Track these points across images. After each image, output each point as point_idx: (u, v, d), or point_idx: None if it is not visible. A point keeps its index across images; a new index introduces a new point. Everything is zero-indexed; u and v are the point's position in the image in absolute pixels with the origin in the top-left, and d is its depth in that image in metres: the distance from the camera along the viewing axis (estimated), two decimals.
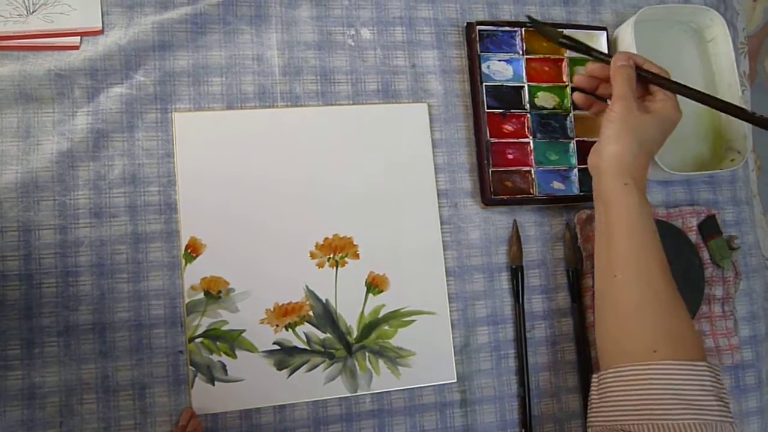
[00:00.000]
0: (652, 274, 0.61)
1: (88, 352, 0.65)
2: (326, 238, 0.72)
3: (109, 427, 0.65)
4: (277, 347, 0.69)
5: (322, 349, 0.70)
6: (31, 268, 0.66)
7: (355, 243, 0.72)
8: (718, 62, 0.84)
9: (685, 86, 0.69)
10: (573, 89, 0.76)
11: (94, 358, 0.65)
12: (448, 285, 0.74)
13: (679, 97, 0.68)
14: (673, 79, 0.68)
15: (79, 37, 0.70)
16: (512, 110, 0.77)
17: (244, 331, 0.69)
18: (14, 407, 0.63)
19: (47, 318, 0.65)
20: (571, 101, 0.79)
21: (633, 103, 0.65)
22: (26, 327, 0.65)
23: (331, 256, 0.71)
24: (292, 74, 0.75)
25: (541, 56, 0.80)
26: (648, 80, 0.68)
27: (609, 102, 0.69)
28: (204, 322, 0.68)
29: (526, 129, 0.77)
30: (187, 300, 0.68)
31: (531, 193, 0.76)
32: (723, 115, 0.83)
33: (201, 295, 0.68)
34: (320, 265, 0.71)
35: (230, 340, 0.68)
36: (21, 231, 0.66)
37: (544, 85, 0.79)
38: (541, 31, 0.75)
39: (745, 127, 0.80)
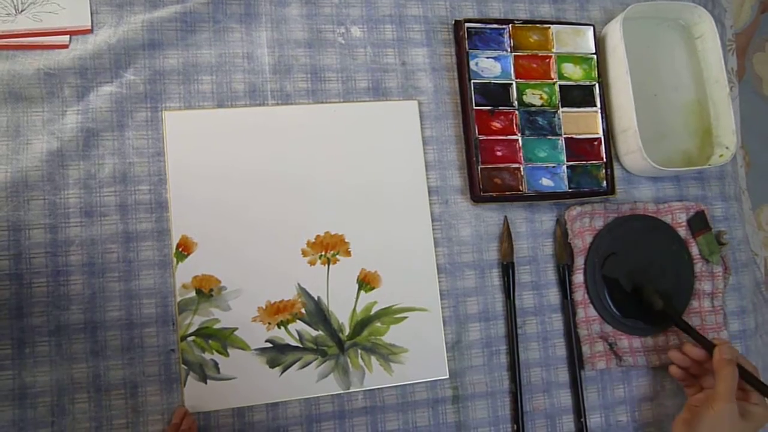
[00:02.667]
0: None
1: (79, 352, 0.65)
2: (318, 236, 0.72)
3: (101, 426, 0.65)
4: (269, 345, 0.69)
5: (315, 347, 0.70)
6: (22, 268, 0.65)
7: (346, 240, 0.72)
8: (706, 59, 0.84)
9: None
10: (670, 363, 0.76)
11: (85, 358, 0.65)
12: (439, 282, 0.74)
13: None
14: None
15: (68, 36, 0.70)
16: (500, 107, 0.78)
17: (236, 329, 0.69)
18: (5, 407, 0.63)
19: (38, 317, 0.65)
20: (559, 98, 0.79)
21: (736, 408, 0.66)
22: (17, 327, 0.64)
23: (323, 253, 0.72)
24: (283, 72, 0.75)
25: (529, 53, 0.80)
26: (748, 382, 0.69)
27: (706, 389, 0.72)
28: (196, 321, 0.68)
29: (515, 126, 0.78)
30: (178, 298, 0.68)
31: (520, 190, 0.76)
32: (711, 110, 0.83)
33: (193, 294, 0.68)
34: (312, 263, 0.71)
35: (222, 339, 0.68)
36: (11, 230, 0.66)
37: (532, 82, 0.79)
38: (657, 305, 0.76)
39: (733, 122, 0.80)
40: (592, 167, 0.79)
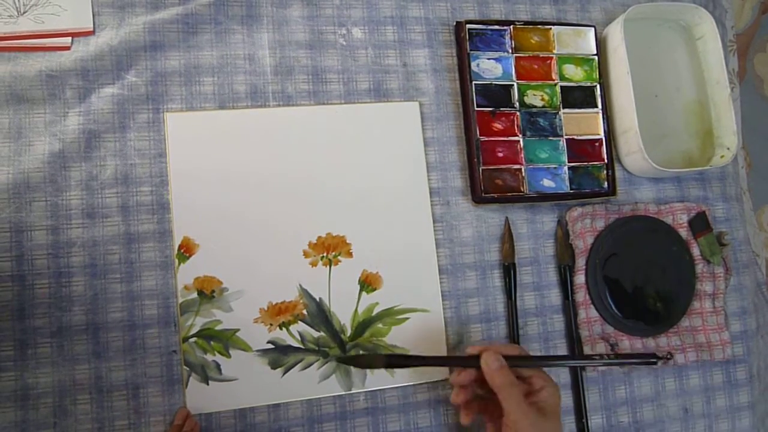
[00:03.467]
0: None
1: (81, 353, 0.65)
2: (319, 237, 0.72)
3: (103, 427, 0.65)
4: (271, 346, 0.69)
5: (316, 348, 0.70)
6: (24, 269, 0.65)
7: (348, 241, 0.72)
8: (707, 60, 0.84)
9: (554, 357, 0.74)
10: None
11: (87, 359, 0.65)
12: (441, 283, 0.74)
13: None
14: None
15: (70, 38, 0.70)
16: (502, 108, 0.78)
17: (238, 330, 0.69)
18: (7, 408, 0.63)
19: (40, 319, 0.65)
20: (560, 99, 0.79)
21: (532, 412, 0.60)
22: (19, 328, 0.65)
23: (325, 254, 0.72)
24: (284, 74, 0.75)
25: (530, 54, 0.80)
26: (521, 366, 0.64)
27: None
28: (198, 322, 0.68)
29: (516, 127, 0.78)
30: (180, 300, 0.68)
31: (521, 191, 0.76)
32: (713, 111, 0.84)
33: (194, 295, 0.68)
34: (313, 264, 0.71)
35: (224, 340, 0.68)
36: (13, 232, 0.66)
37: (534, 83, 0.79)
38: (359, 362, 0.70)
39: (735, 123, 0.80)
40: (594, 168, 0.79)
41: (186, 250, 0.69)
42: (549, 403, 0.62)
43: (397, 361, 0.67)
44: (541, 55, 0.80)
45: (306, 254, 0.71)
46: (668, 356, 0.72)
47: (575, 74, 0.81)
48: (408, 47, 0.79)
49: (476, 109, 0.77)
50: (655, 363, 0.68)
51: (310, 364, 0.70)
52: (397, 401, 0.71)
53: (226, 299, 0.69)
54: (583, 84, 0.80)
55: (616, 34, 0.79)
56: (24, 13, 0.69)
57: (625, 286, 0.78)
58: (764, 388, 0.83)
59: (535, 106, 0.79)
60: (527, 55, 0.80)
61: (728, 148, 0.81)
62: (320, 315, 0.71)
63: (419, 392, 0.72)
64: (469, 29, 0.78)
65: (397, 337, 0.72)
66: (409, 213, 0.75)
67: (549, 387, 0.63)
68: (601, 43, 0.82)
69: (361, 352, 0.71)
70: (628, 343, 0.76)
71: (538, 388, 0.63)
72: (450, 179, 0.77)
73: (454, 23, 0.80)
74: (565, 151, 0.79)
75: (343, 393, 0.70)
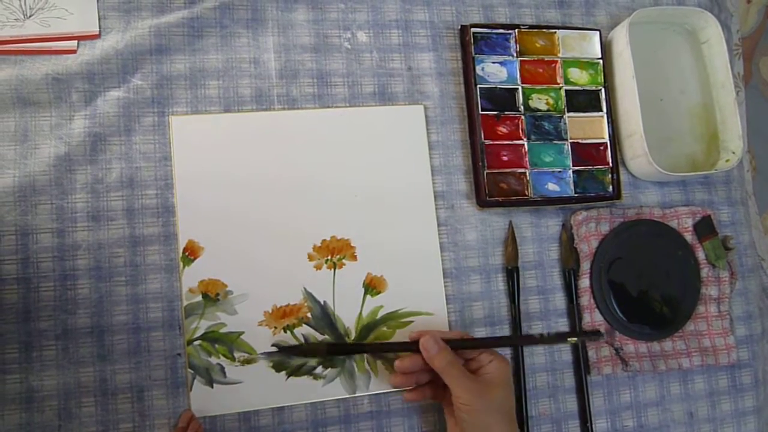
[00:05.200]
0: None
1: (86, 356, 0.65)
2: (324, 240, 0.72)
3: (108, 430, 0.65)
4: (275, 349, 0.69)
5: None
6: (29, 272, 0.66)
7: (352, 245, 0.72)
8: (712, 64, 0.84)
9: (496, 338, 0.74)
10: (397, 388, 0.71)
11: (92, 362, 0.65)
12: (445, 286, 0.74)
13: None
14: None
15: (76, 42, 0.70)
16: (506, 112, 0.78)
17: (242, 333, 0.69)
18: (12, 411, 0.63)
19: (45, 321, 0.65)
20: (565, 103, 0.79)
21: (475, 385, 0.63)
22: (24, 330, 0.65)
23: (329, 257, 0.72)
24: (289, 77, 0.75)
25: (535, 58, 0.80)
26: (463, 347, 0.67)
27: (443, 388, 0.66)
28: (202, 325, 0.68)
29: (521, 131, 0.78)
30: (185, 303, 0.68)
31: (526, 195, 0.76)
32: (718, 115, 0.83)
33: (199, 298, 0.68)
34: (318, 267, 0.71)
35: (229, 343, 0.68)
36: (19, 234, 0.66)
37: (538, 86, 0.79)
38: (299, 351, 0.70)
39: (740, 127, 0.80)
40: (598, 172, 0.79)
41: (191, 253, 0.69)
42: (494, 374, 0.65)
43: (338, 348, 0.69)
44: (546, 59, 0.80)
45: (311, 257, 0.71)
46: (604, 333, 0.74)
47: (580, 78, 0.81)
48: (413, 51, 0.79)
49: (481, 112, 0.77)
50: (597, 339, 0.71)
51: (315, 368, 0.70)
52: (402, 405, 0.71)
53: (231, 302, 0.69)
54: (588, 88, 0.80)
55: (621, 37, 0.79)
56: (30, 16, 0.70)
57: (629, 290, 0.77)
58: None
59: (540, 110, 0.79)
60: (532, 58, 0.80)
61: (733, 152, 0.81)
62: (325, 318, 0.71)
63: None
64: (474, 33, 0.78)
65: (402, 341, 0.72)
66: (413, 216, 0.75)
67: (495, 361, 0.65)
68: (606, 47, 0.82)
69: (365, 355, 0.71)
70: (633, 348, 0.76)
71: (485, 363, 0.65)
72: (454, 183, 0.77)
73: (459, 27, 0.80)
74: (570, 155, 0.78)
75: (348, 396, 0.70)
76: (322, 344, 0.69)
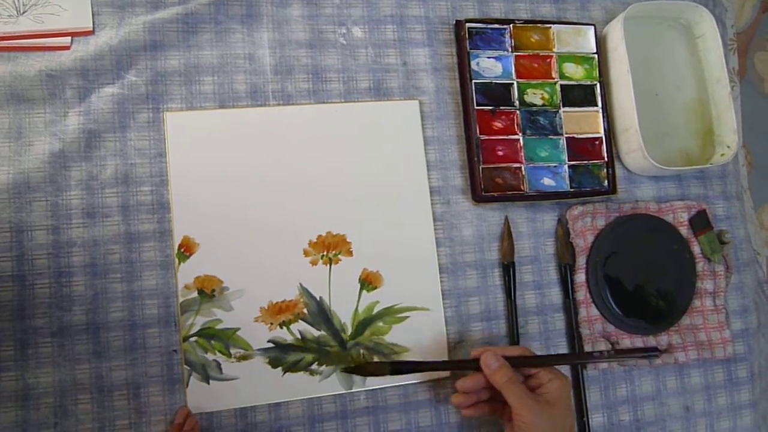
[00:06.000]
0: None
1: (82, 353, 0.65)
2: (319, 236, 0.72)
3: (104, 427, 0.65)
4: (271, 345, 0.69)
5: (317, 347, 0.70)
6: (24, 269, 0.65)
7: (348, 240, 0.72)
8: (707, 58, 0.84)
9: (556, 355, 0.74)
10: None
11: (88, 359, 0.65)
12: (441, 282, 0.74)
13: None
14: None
15: (69, 38, 0.70)
16: (502, 107, 0.78)
17: (238, 329, 0.69)
18: (8, 408, 0.63)
19: (41, 319, 0.65)
20: (560, 98, 0.79)
21: (536, 404, 0.63)
22: (19, 328, 0.65)
23: (325, 253, 0.72)
24: (284, 73, 0.75)
25: (530, 53, 0.80)
26: (526, 366, 0.67)
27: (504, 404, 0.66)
28: (198, 321, 0.68)
29: (516, 126, 0.78)
30: (181, 299, 0.68)
31: (521, 190, 0.76)
32: (713, 110, 0.83)
33: (195, 294, 0.68)
34: (314, 263, 0.71)
35: (225, 339, 0.68)
36: (13, 232, 0.66)
37: (534, 81, 0.79)
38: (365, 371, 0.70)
39: (735, 122, 0.80)
40: (594, 167, 0.79)
41: (186, 250, 0.69)
42: (555, 394, 0.64)
43: (401, 367, 0.69)
44: (541, 54, 0.80)
45: (306, 253, 0.71)
46: (667, 349, 0.73)
47: (575, 73, 0.81)
48: (408, 46, 0.79)
49: (476, 107, 0.77)
50: (656, 356, 0.70)
51: (311, 363, 0.70)
52: (398, 400, 0.71)
53: (227, 298, 0.69)
54: (583, 82, 0.80)
55: (616, 32, 0.79)
56: (24, 12, 0.69)
57: (625, 284, 0.78)
58: (765, 387, 0.83)
59: (535, 105, 0.79)
60: (527, 53, 0.80)
61: (729, 147, 0.81)
62: (321, 314, 0.71)
63: (420, 391, 0.72)
64: (469, 28, 0.78)
65: (398, 336, 0.72)
66: (409, 212, 0.74)
67: (555, 379, 0.65)
68: (601, 42, 0.82)
69: (361, 351, 0.71)
70: (629, 342, 0.76)
71: (545, 382, 0.65)
72: (450, 178, 0.77)
73: (454, 22, 0.80)
74: (566, 150, 0.78)
75: (344, 392, 0.70)
76: (386, 363, 0.69)
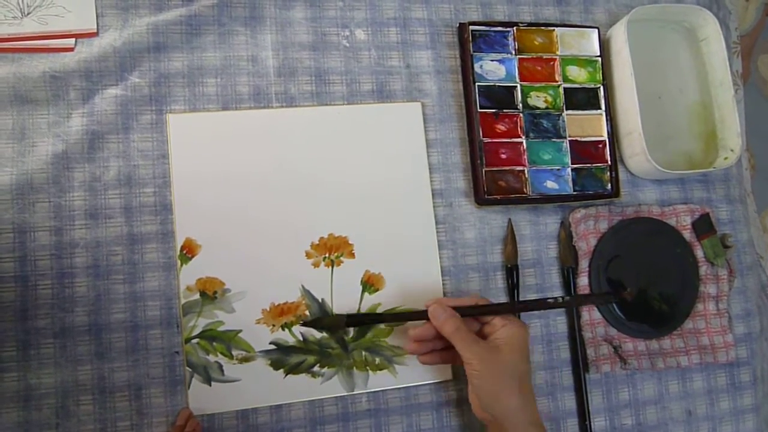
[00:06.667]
0: None
1: (84, 354, 0.65)
2: (321, 238, 0.72)
3: (106, 428, 0.65)
4: (273, 347, 0.69)
5: (319, 349, 0.70)
6: (27, 270, 0.66)
7: (350, 242, 0.72)
8: (710, 61, 0.84)
9: (507, 303, 0.74)
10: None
11: (90, 360, 0.65)
12: (444, 284, 0.74)
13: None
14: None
15: (73, 39, 0.70)
16: (505, 110, 0.78)
17: (240, 331, 0.69)
18: (10, 409, 0.63)
19: (43, 319, 0.65)
20: (564, 101, 0.79)
21: (484, 350, 0.63)
22: (22, 329, 0.65)
23: (327, 255, 0.72)
24: (287, 75, 0.75)
25: (534, 56, 0.80)
26: (475, 314, 0.67)
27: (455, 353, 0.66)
28: (200, 323, 0.68)
29: (519, 129, 0.78)
30: (183, 301, 0.68)
31: (524, 193, 0.76)
32: (716, 113, 0.83)
33: (197, 296, 0.68)
34: (316, 265, 0.71)
35: (227, 341, 0.68)
36: (16, 232, 0.66)
37: (537, 84, 0.79)
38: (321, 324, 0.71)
39: (738, 125, 0.80)
40: (597, 170, 0.79)
41: (188, 251, 0.69)
42: (504, 339, 0.64)
43: (356, 319, 0.71)
44: (544, 57, 0.80)
45: (308, 255, 0.71)
46: (629, 291, 0.74)
47: (579, 76, 0.80)
48: (411, 49, 0.79)
49: (479, 110, 0.77)
50: (612, 301, 0.72)
51: (313, 365, 0.70)
52: (400, 403, 0.71)
53: (229, 300, 0.69)
54: (586, 85, 0.80)
55: (619, 35, 0.78)
56: (28, 14, 0.70)
57: (628, 288, 0.77)
58: None
59: (539, 108, 0.79)
60: (530, 56, 0.80)
61: (732, 150, 0.81)
62: (323, 316, 0.70)
63: (422, 394, 0.72)
64: (472, 31, 0.78)
65: (400, 338, 0.72)
66: (411, 214, 0.74)
67: (508, 325, 0.65)
68: (604, 45, 0.82)
69: (363, 353, 0.71)
70: (631, 346, 0.76)
71: (498, 328, 0.65)
72: (453, 181, 0.77)
73: (458, 25, 0.80)
74: (569, 153, 0.78)
75: (346, 394, 0.70)
76: (342, 316, 0.70)
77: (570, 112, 0.79)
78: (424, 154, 0.76)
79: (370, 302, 0.72)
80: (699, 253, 0.80)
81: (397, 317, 0.71)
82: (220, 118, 0.72)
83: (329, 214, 0.72)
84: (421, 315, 0.68)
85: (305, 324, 0.70)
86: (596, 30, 0.82)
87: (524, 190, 0.76)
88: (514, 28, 0.80)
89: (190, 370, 0.67)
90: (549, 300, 0.70)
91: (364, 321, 0.72)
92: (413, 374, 0.71)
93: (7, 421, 0.63)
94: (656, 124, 0.81)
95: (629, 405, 0.77)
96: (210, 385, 0.67)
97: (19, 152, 0.67)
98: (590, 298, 0.76)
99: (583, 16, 0.85)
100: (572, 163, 0.78)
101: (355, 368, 0.70)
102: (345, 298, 0.71)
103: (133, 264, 0.68)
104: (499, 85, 0.78)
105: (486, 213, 0.77)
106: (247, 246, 0.70)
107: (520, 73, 0.79)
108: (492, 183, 0.76)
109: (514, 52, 0.79)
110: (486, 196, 0.75)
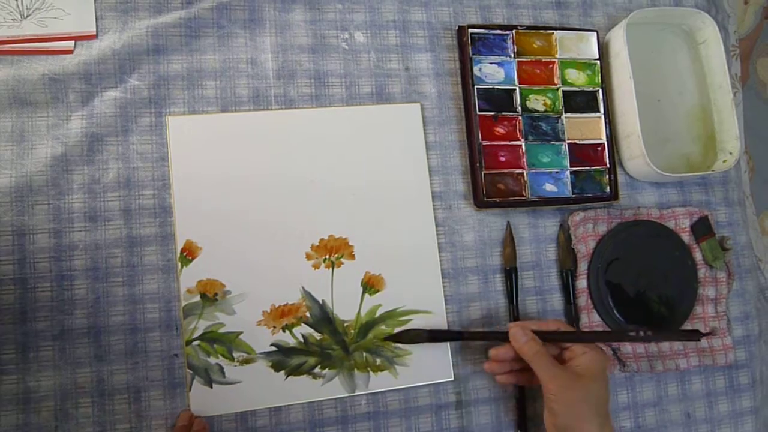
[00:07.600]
0: None
1: (83, 356, 0.65)
2: (322, 239, 0.72)
3: (105, 430, 0.65)
4: (274, 349, 0.69)
5: (319, 350, 0.70)
6: (26, 272, 0.66)
7: (350, 243, 0.72)
8: (709, 64, 0.84)
9: (590, 332, 0.74)
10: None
11: (89, 362, 0.65)
12: (443, 287, 0.74)
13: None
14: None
15: (73, 42, 0.70)
16: (504, 113, 0.78)
17: (241, 333, 0.69)
18: (9, 412, 0.63)
19: (42, 322, 0.65)
20: (563, 104, 0.79)
21: (564, 376, 0.64)
22: (21, 331, 0.65)
23: (327, 257, 0.72)
24: (286, 77, 0.75)
25: (533, 59, 0.80)
26: (559, 341, 0.68)
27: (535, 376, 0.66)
28: (201, 325, 0.68)
29: (518, 131, 0.78)
30: (183, 303, 0.68)
31: (523, 196, 0.76)
32: (715, 116, 0.84)
33: (197, 298, 0.68)
34: (316, 266, 0.71)
35: (227, 343, 0.68)
36: (15, 235, 0.66)
37: (536, 87, 0.79)
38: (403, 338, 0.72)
39: (737, 128, 0.80)
40: (596, 173, 0.79)
41: (188, 254, 0.69)
42: (585, 366, 0.64)
43: (437, 335, 0.71)
44: (543, 60, 0.80)
45: (308, 256, 0.71)
46: (711, 332, 0.73)
47: (577, 79, 0.81)
48: (410, 51, 0.79)
49: (478, 113, 0.77)
50: (698, 339, 0.71)
51: (314, 367, 0.70)
52: (399, 405, 0.71)
53: (229, 302, 0.69)
54: (585, 88, 0.80)
55: (618, 38, 0.79)
56: (27, 16, 0.70)
57: (627, 290, 0.77)
58: (767, 394, 0.83)
59: (538, 111, 0.79)
60: (529, 59, 0.80)
61: (731, 153, 0.81)
62: (323, 317, 0.71)
63: (421, 396, 0.72)
64: (471, 34, 0.78)
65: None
66: (411, 216, 0.75)
67: (589, 353, 0.65)
68: (603, 48, 0.82)
69: (364, 354, 0.71)
70: (630, 348, 0.76)
71: (578, 354, 0.66)
72: (452, 183, 0.77)
73: (457, 27, 0.80)
74: (568, 156, 0.78)
75: (345, 396, 0.70)
76: (424, 331, 0.71)
77: (569, 115, 0.79)
78: (423, 156, 0.76)
79: (370, 303, 0.72)
80: (698, 255, 0.80)
81: (475, 336, 0.72)
82: (219, 120, 0.72)
83: (329, 216, 0.72)
84: (502, 336, 0.69)
85: (387, 339, 0.71)
86: (595, 33, 0.82)
87: (523, 192, 0.76)
88: (513, 31, 0.80)
89: (191, 372, 0.67)
90: (631, 333, 0.71)
91: (444, 338, 0.72)
92: (414, 375, 0.71)
93: (6, 424, 0.63)
94: (655, 127, 0.81)
95: (628, 407, 0.77)
96: (211, 387, 0.67)
97: (19, 155, 0.67)
98: (673, 336, 0.76)
99: (582, 19, 0.85)
100: (571, 166, 0.78)
101: (356, 369, 0.70)
102: (345, 300, 0.71)
103: (132, 266, 0.68)
104: (498, 88, 0.78)
105: (485, 216, 0.77)
106: (248, 248, 0.70)
107: (519, 76, 0.79)
108: (491, 186, 0.76)
109: (513, 55, 0.79)
110: (485, 199, 0.75)
